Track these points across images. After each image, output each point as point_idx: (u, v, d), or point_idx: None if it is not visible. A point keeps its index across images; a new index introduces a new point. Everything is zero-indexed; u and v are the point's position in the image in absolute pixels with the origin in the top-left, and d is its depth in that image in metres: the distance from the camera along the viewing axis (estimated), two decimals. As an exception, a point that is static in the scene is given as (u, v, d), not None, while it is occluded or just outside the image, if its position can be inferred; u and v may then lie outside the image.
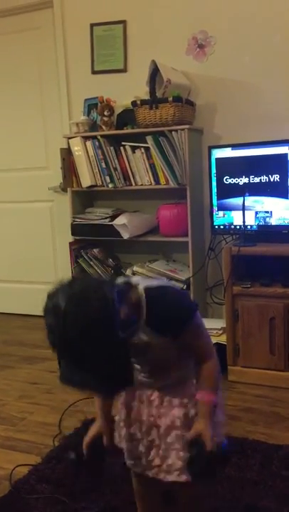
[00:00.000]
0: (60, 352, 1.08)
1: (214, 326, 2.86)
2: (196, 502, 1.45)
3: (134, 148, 3.14)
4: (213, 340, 2.77)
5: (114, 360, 1.04)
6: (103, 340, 1.02)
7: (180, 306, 1.23)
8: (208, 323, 2.81)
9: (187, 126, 2.99)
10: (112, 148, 3.20)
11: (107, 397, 1.31)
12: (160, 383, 1.31)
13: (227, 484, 1.78)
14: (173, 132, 2.99)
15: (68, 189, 3.41)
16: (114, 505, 1.69)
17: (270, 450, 1.99)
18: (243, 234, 2.75)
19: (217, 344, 2.75)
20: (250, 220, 2.77)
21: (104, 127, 3.27)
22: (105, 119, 3.26)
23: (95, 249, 3.38)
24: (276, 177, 2.69)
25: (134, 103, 3.10)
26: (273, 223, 2.74)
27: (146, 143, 3.08)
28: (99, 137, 3.23)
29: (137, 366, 1.28)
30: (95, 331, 1.02)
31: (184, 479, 1.27)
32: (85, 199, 3.49)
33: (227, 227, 2.85)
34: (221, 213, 2.85)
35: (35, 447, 2.13)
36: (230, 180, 2.80)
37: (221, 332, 2.84)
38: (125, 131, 3.23)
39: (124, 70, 3.42)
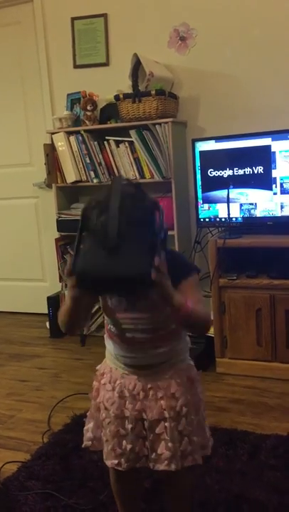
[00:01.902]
0: (103, 238, 1.08)
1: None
2: (187, 492, 1.46)
3: (118, 143, 3.12)
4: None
5: (150, 253, 1.08)
6: (149, 230, 1.10)
7: (187, 260, 1.31)
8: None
9: (170, 120, 2.99)
10: (95, 143, 3.18)
11: (122, 294, 1.24)
12: (155, 339, 1.29)
13: (216, 475, 1.79)
14: (156, 126, 2.99)
15: (53, 185, 3.39)
16: (103, 501, 1.69)
17: (259, 440, 2.00)
18: (228, 226, 2.76)
19: (205, 337, 2.77)
20: (235, 213, 2.78)
21: (87, 122, 3.25)
22: (88, 113, 3.24)
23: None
24: (260, 169, 2.70)
25: (117, 97, 3.09)
26: (258, 215, 2.75)
27: (130, 137, 3.06)
28: (82, 132, 3.22)
29: (137, 318, 1.27)
30: (146, 220, 1.12)
31: (174, 469, 1.27)
32: (70, 195, 3.48)
33: (212, 219, 2.85)
34: (206, 206, 2.86)
35: (24, 444, 2.13)
36: (214, 173, 2.81)
37: (208, 324, 2.85)
38: (109, 125, 3.22)
39: (106, 64, 3.40)
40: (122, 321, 1.30)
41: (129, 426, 1.31)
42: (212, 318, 2.77)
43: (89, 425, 1.43)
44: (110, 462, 1.35)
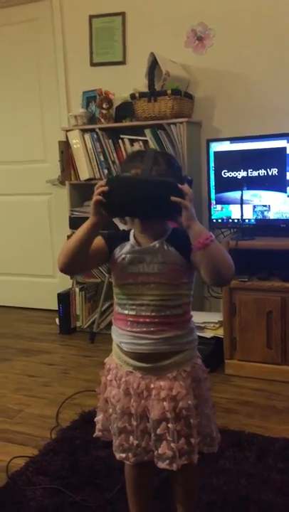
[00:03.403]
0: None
1: (211, 320, 2.87)
2: (192, 491, 1.46)
3: (132, 142, 3.13)
4: (211, 333, 2.79)
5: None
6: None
7: None
8: (206, 317, 2.85)
9: (186, 120, 2.98)
10: (110, 141, 3.19)
11: (145, 214, 1.25)
12: (161, 320, 1.29)
13: (223, 477, 1.79)
14: (171, 125, 2.99)
15: (66, 182, 3.40)
16: (111, 498, 1.69)
17: (266, 443, 2.00)
18: (241, 228, 2.75)
19: (214, 338, 2.77)
20: (248, 214, 2.77)
21: (102, 120, 3.26)
22: (104, 111, 3.24)
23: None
24: (274, 171, 2.69)
25: (132, 96, 3.09)
26: (271, 217, 2.73)
27: (145, 136, 3.07)
28: (97, 130, 3.22)
29: (147, 282, 1.29)
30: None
31: (175, 468, 1.29)
32: (83, 192, 3.48)
33: (225, 220, 2.85)
34: (218, 207, 2.85)
35: (32, 439, 2.14)
36: (228, 174, 2.80)
37: (218, 326, 2.85)
38: (124, 124, 3.22)
39: (123, 63, 3.41)
40: (132, 291, 1.30)
41: (134, 423, 1.32)
42: (221, 319, 2.76)
43: (99, 417, 1.45)
44: (119, 455, 1.38)
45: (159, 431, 1.29)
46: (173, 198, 1.17)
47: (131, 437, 1.33)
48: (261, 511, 1.61)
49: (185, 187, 1.18)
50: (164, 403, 1.28)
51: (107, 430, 1.42)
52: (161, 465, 1.30)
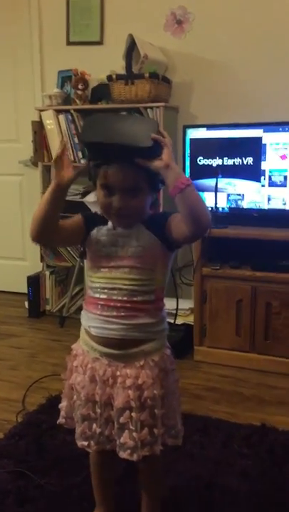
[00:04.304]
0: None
1: (182, 307, 2.87)
2: (156, 478, 1.47)
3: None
4: (181, 320, 2.79)
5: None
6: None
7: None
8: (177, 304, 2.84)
9: (162, 104, 2.95)
10: (85, 123, 3.13)
11: (124, 155, 1.20)
12: (131, 305, 1.27)
13: (189, 462, 1.80)
14: (148, 109, 2.95)
15: (39, 163, 3.33)
16: (75, 482, 1.69)
17: (232, 429, 2.02)
18: (215, 216, 2.74)
19: (184, 325, 2.78)
20: (222, 202, 2.77)
21: (77, 101, 3.19)
22: (79, 92, 3.18)
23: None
24: (249, 160, 2.69)
25: (109, 77, 3.04)
26: (245, 206, 2.74)
27: (121, 119, 3.02)
28: (72, 111, 3.16)
29: (121, 266, 1.28)
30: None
31: (136, 459, 1.27)
32: (56, 174, 3.42)
33: (199, 208, 2.84)
34: (193, 194, 2.83)
35: (-2, 423, 2.11)
36: (203, 161, 2.79)
37: (188, 313, 2.86)
38: (99, 106, 3.16)
39: (100, 43, 3.34)
40: (106, 274, 1.28)
41: (98, 410, 1.30)
42: (192, 306, 2.77)
43: (63, 403, 1.43)
44: (80, 443, 1.36)
45: (122, 419, 1.27)
46: (153, 136, 1.15)
47: (94, 425, 1.32)
48: (226, 496, 1.63)
49: (164, 132, 1.18)
50: (129, 391, 1.26)
51: (71, 418, 1.40)
52: (123, 455, 1.28)
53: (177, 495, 1.64)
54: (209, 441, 1.94)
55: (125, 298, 1.27)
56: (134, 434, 1.26)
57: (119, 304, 1.27)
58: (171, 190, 1.18)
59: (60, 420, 1.44)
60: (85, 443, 1.34)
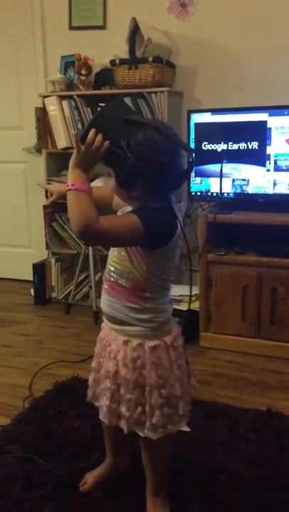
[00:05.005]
0: None
1: (188, 293, 2.86)
2: (156, 459, 1.50)
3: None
4: (187, 306, 2.79)
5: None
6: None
7: (153, 214, 1.29)
8: (182, 290, 2.84)
9: (167, 89, 2.92)
10: (88, 108, 3.11)
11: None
12: (115, 287, 1.37)
13: (195, 446, 1.81)
14: (152, 94, 2.92)
15: (43, 150, 3.32)
16: (82, 467, 1.70)
17: (238, 414, 2.03)
18: (220, 201, 2.73)
19: (190, 310, 2.77)
20: (227, 188, 2.75)
21: (81, 87, 3.17)
22: (82, 78, 3.15)
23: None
24: (255, 144, 2.66)
25: (112, 62, 3.00)
26: (250, 191, 2.72)
27: (125, 104, 2.99)
28: (75, 97, 3.13)
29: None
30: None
31: (126, 431, 1.39)
32: (60, 161, 3.41)
33: (204, 193, 2.82)
34: (198, 180, 2.82)
35: (5, 409, 2.13)
36: (208, 146, 2.76)
37: (194, 299, 2.85)
38: (103, 91, 3.13)
39: (103, 27, 3.30)
40: (109, 256, 1.40)
41: (111, 382, 1.40)
42: (198, 292, 2.77)
43: (90, 377, 1.54)
44: (103, 418, 1.46)
45: (102, 385, 1.43)
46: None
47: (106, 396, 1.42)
48: (232, 480, 1.64)
49: (90, 134, 1.23)
50: (110, 363, 1.39)
51: (93, 393, 1.51)
52: (131, 428, 1.40)
53: (183, 479, 1.65)
54: (215, 426, 1.95)
55: (112, 279, 1.38)
56: (107, 402, 1.39)
57: (107, 283, 1.40)
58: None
59: (88, 397, 1.54)
60: (105, 418, 1.45)
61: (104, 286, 1.42)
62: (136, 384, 1.36)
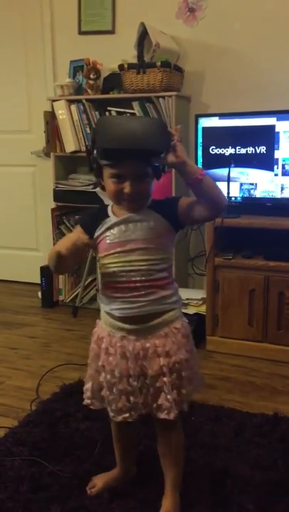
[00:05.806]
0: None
1: (194, 297, 2.87)
2: (178, 446, 1.52)
3: (119, 114, 3.07)
4: (193, 310, 2.80)
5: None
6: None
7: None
8: (189, 294, 2.85)
9: (175, 93, 2.93)
10: (97, 112, 3.13)
11: (139, 155, 1.30)
12: (147, 284, 1.37)
13: (201, 450, 1.81)
14: (160, 99, 2.93)
15: (51, 154, 3.34)
16: (88, 469, 1.70)
17: (245, 418, 2.02)
18: (227, 205, 2.73)
19: (197, 314, 2.78)
20: (235, 192, 2.76)
21: (89, 91, 3.19)
22: (91, 82, 3.17)
23: (77, 217, 3.34)
24: (262, 149, 2.67)
25: (121, 67, 3.02)
26: (257, 196, 2.73)
27: (133, 109, 3.01)
28: (84, 101, 3.16)
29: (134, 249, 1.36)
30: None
31: (172, 417, 1.39)
32: (68, 165, 3.43)
33: (211, 197, 2.82)
34: (205, 184, 2.82)
35: (13, 411, 2.14)
36: (216, 151, 2.77)
37: (201, 303, 2.86)
38: (111, 95, 3.16)
39: (112, 32, 3.32)
40: (121, 258, 1.36)
41: (134, 383, 1.40)
42: (204, 296, 2.77)
43: (88, 385, 1.51)
44: (121, 417, 1.44)
45: (158, 384, 1.39)
46: (169, 129, 1.28)
47: (132, 397, 1.41)
48: (238, 484, 1.64)
49: (171, 130, 1.29)
50: (160, 359, 1.38)
51: (96, 398, 1.49)
52: (161, 415, 1.39)
53: (189, 483, 1.65)
54: (222, 431, 1.94)
55: (143, 278, 1.36)
56: (169, 396, 1.38)
57: (138, 284, 1.37)
58: (191, 181, 1.31)
59: (86, 401, 1.52)
60: (127, 415, 1.43)
61: (134, 293, 1.37)
62: (187, 360, 1.42)
